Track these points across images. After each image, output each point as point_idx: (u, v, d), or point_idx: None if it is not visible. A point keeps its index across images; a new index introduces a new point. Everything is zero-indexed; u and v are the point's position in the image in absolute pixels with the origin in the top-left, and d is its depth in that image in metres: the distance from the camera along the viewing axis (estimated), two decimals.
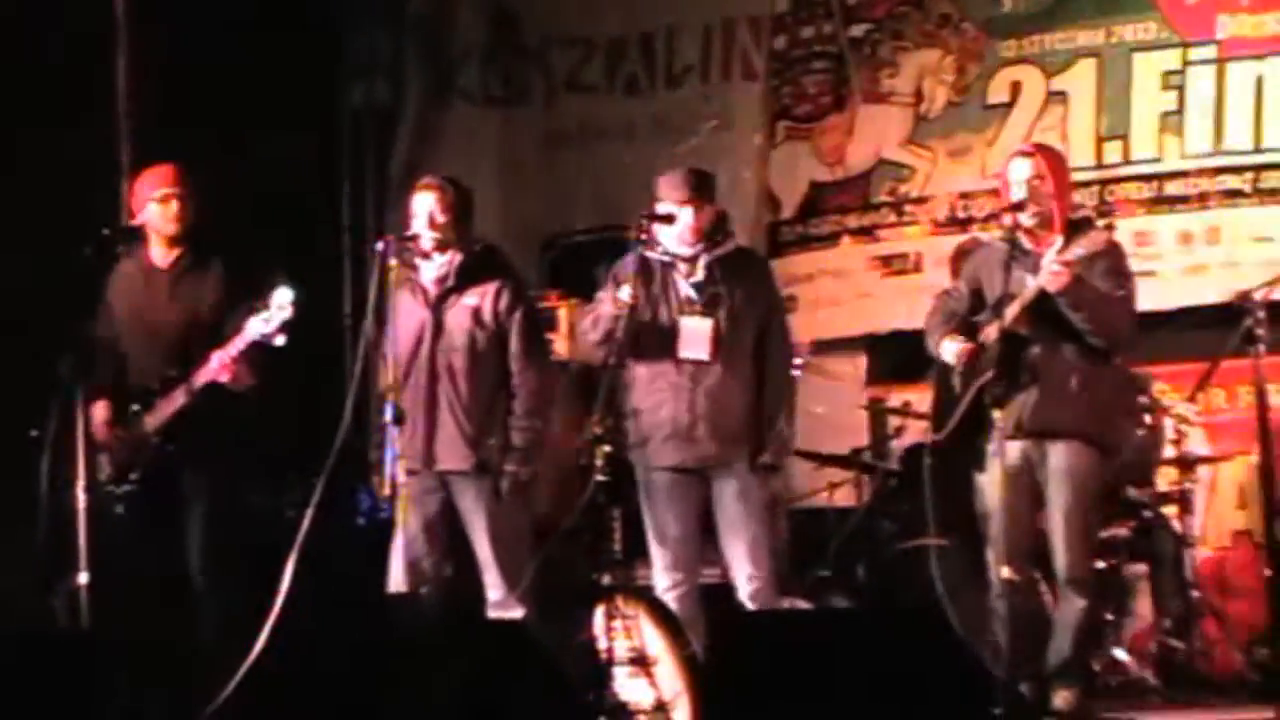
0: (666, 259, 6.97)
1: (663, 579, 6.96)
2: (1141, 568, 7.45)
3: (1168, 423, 7.57)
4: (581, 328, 7.29)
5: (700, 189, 6.95)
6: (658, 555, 6.98)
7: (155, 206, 7.04)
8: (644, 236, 6.85)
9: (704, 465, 6.90)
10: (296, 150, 9.36)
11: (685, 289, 6.94)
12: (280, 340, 6.75)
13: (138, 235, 7.11)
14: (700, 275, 6.95)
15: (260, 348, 6.79)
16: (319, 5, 9.96)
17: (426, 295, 7.01)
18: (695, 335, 6.89)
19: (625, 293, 6.73)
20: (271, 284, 6.78)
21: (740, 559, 6.87)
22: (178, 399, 6.89)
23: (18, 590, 7.14)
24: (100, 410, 6.99)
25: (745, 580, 6.85)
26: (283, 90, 9.26)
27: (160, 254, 7.10)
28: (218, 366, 6.82)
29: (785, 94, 9.40)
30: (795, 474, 8.19)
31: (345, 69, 10.23)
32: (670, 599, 6.90)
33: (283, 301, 6.73)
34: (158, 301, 7.04)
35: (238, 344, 6.80)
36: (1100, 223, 6.64)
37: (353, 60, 10.27)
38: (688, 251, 6.95)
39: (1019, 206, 6.69)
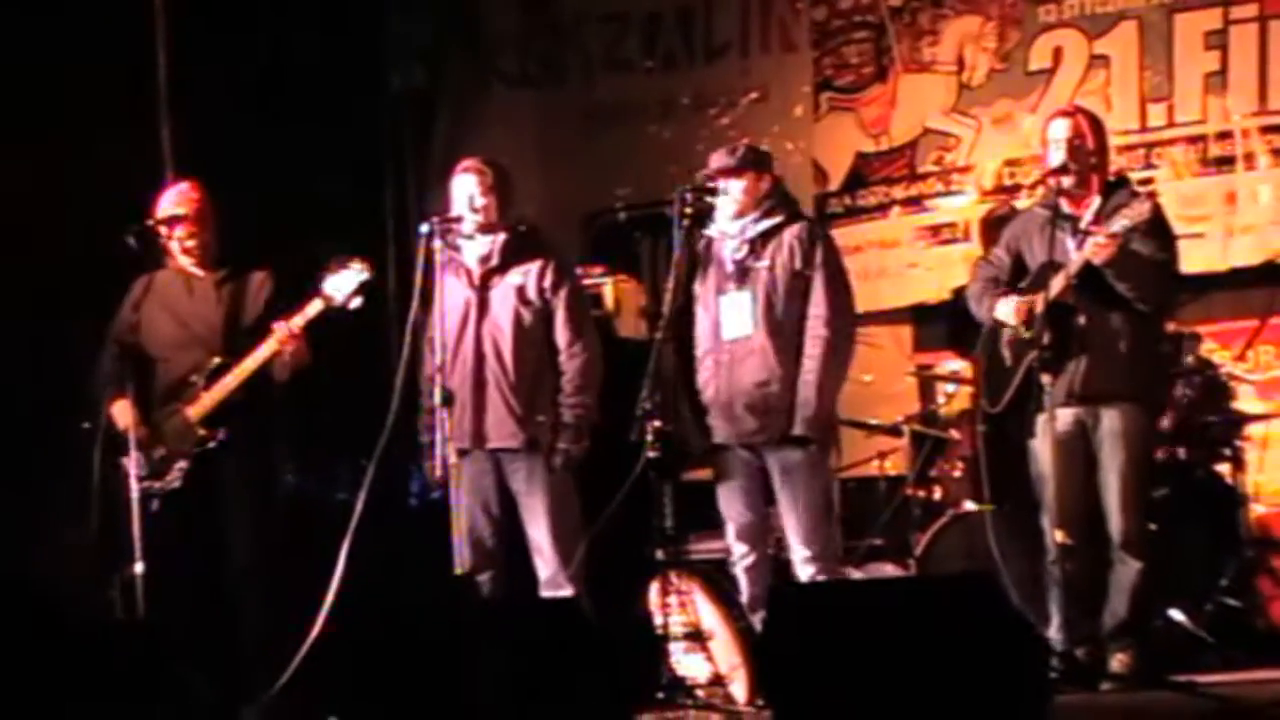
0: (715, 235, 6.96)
1: (734, 551, 6.96)
2: (1196, 527, 7.40)
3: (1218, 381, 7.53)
4: None
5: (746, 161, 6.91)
6: (727, 529, 6.98)
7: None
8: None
9: (750, 441, 6.88)
10: (338, 136, 9.38)
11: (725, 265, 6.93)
12: (356, 303, 6.70)
13: (149, 236, 6.93)
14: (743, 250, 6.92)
15: (328, 318, 6.71)
16: None
17: (471, 276, 7.01)
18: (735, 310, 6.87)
19: None
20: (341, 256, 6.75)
21: (790, 535, 6.87)
22: (227, 385, 6.80)
23: (74, 581, 7.17)
24: (121, 411, 6.82)
25: (800, 560, 6.84)
26: (322, 77, 9.28)
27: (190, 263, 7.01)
28: (284, 337, 6.71)
29: (827, 65, 9.36)
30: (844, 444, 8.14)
31: (384, 55, 10.23)
32: (739, 570, 6.91)
33: (358, 265, 6.73)
34: (201, 307, 6.96)
35: (308, 311, 6.74)
36: (1141, 186, 6.61)
37: (391, 46, 10.27)
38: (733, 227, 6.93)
39: (1062, 170, 6.68)
